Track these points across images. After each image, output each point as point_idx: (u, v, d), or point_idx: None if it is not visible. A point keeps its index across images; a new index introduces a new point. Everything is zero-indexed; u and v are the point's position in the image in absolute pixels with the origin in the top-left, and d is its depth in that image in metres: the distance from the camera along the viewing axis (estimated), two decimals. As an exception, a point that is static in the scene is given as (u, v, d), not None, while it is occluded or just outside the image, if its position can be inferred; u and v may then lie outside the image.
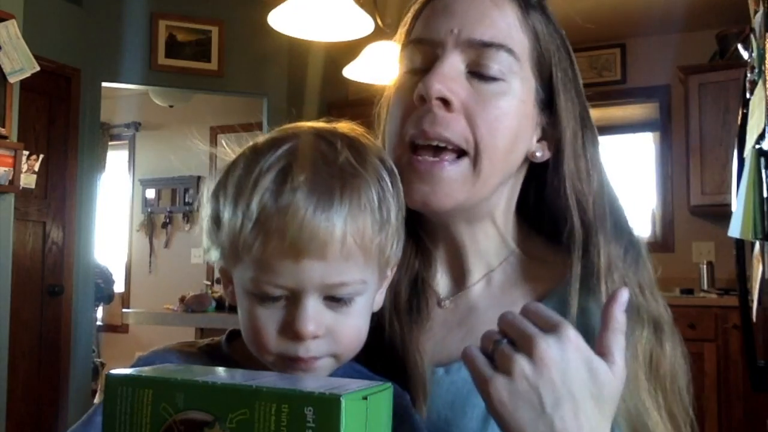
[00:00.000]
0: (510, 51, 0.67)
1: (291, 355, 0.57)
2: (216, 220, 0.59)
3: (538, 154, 0.72)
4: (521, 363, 0.52)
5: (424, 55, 0.68)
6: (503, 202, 0.73)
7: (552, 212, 0.74)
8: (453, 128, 0.65)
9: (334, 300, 0.58)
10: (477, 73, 0.67)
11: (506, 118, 0.67)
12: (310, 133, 0.60)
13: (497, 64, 0.66)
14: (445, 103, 0.65)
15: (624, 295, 0.57)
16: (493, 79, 0.66)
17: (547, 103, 0.71)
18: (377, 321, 0.68)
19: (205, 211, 0.62)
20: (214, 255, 0.61)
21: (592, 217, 0.70)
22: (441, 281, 0.75)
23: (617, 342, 0.55)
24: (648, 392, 0.64)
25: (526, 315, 0.56)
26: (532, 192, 0.77)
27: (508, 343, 0.55)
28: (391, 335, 0.69)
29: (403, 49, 0.72)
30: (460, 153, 0.66)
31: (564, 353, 0.53)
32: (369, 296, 0.61)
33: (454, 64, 0.66)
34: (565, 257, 0.70)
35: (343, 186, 0.56)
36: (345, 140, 0.60)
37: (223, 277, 0.63)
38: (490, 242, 0.74)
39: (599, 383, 0.53)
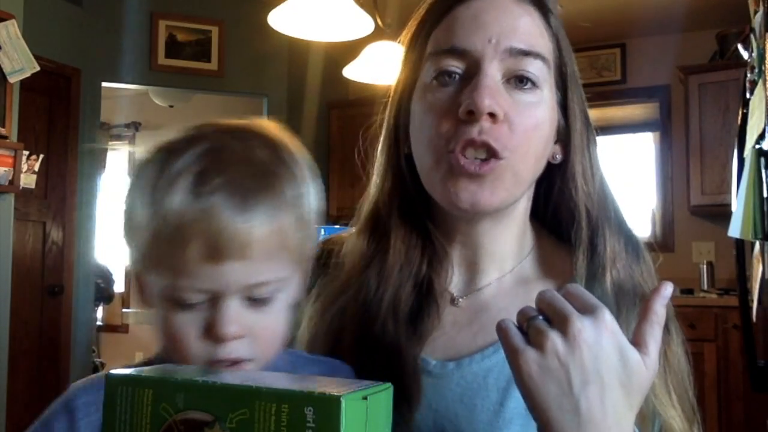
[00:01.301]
0: (544, 59, 0.69)
1: (212, 359, 0.56)
2: (130, 223, 0.58)
3: (557, 156, 0.74)
4: (554, 339, 0.53)
5: (461, 65, 0.69)
6: (523, 204, 0.75)
7: (558, 209, 0.76)
8: (497, 137, 0.66)
9: (255, 300, 0.57)
10: (514, 82, 0.68)
11: (542, 126, 0.69)
12: (224, 132, 0.59)
13: (533, 72, 0.68)
14: (492, 116, 0.66)
15: (668, 289, 0.57)
16: (530, 88, 0.68)
17: (562, 104, 0.73)
18: (367, 324, 0.69)
19: (120, 212, 0.60)
20: (129, 259, 0.59)
21: (597, 213, 0.72)
22: (454, 279, 0.76)
23: (654, 334, 0.55)
24: (661, 382, 0.65)
25: (565, 296, 0.56)
26: (542, 190, 0.78)
27: (543, 320, 0.55)
28: (384, 338, 0.69)
29: (427, 59, 0.72)
30: (497, 158, 0.68)
31: (598, 336, 0.53)
32: (289, 293, 0.60)
33: (494, 75, 0.67)
34: (572, 254, 0.72)
35: (260, 186, 0.55)
36: (260, 138, 0.59)
37: (137, 283, 0.61)
38: (510, 243, 0.75)
39: (629, 371, 0.53)
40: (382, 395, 0.49)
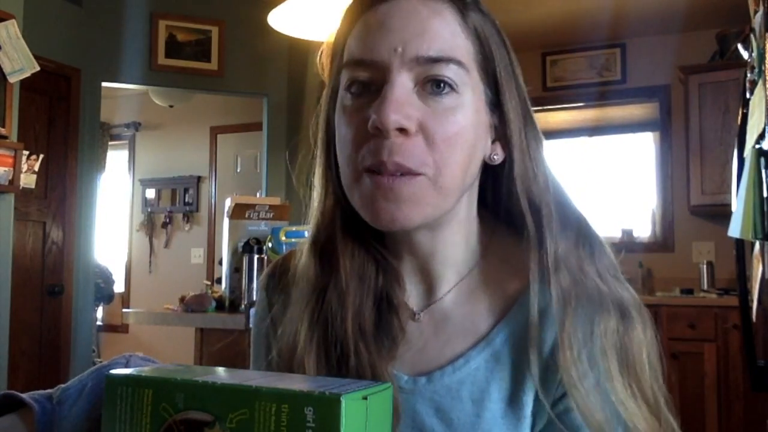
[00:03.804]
0: (459, 63, 0.65)
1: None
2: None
3: (495, 156, 0.70)
4: None
5: (370, 76, 0.65)
6: (464, 209, 0.72)
7: (509, 209, 0.73)
8: (412, 155, 0.62)
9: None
10: (430, 87, 0.64)
11: (464, 133, 0.65)
12: None
13: (448, 78, 0.64)
14: (402, 130, 0.62)
15: None
16: (448, 92, 0.64)
17: (495, 103, 0.69)
18: (341, 349, 0.67)
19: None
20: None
21: (541, 215, 0.69)
22: (412, 294, 0.73)
23: None
24: (622, 384, 0.63)
25: None
26: (489, 190, 0.75)
27: None
28: (358, 362, 0.67)
29: (342, 69, 0.68)
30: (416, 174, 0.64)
31: None
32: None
33: (404, 84, 0.63)
34: (526, 255, 0.69)
35: None
36: None
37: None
38: (457, 250, 0.72)
39: None
40: (382, 395, 0.49)
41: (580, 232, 0.70)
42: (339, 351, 0.67)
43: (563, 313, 0.65)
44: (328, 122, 0.72)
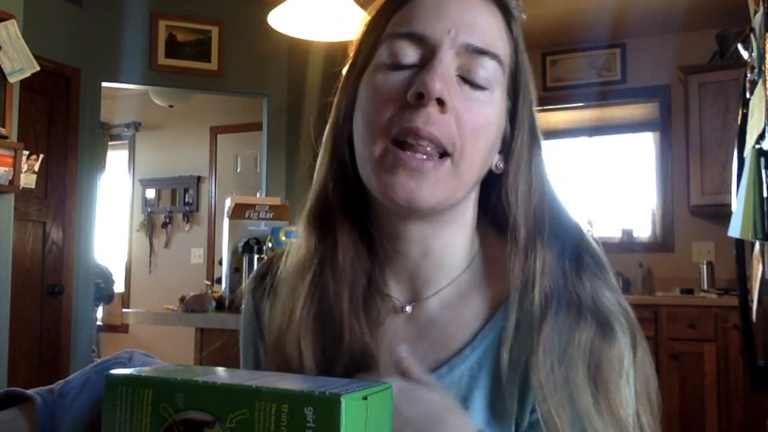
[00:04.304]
0: (500, 61, 0.68)
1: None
2: None
3: (500, 165, 0.72)
4: None
5: (416, 51, 0.66)
6: (470, 209, 0.73)
7: (499, 217, 0.73)
8: (444, 129, 0.64)
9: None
10: (466, 78, 0.66)
11: (489, 127, 0.67)
12: None
13: (487, 72, 0.67)
14: (441, 103, 0.64)
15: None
16: (481, 87, 0.67)
17: (512, 114, 0.71)
18: (338, 326, 0.67)
19: None
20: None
21: (533, 227, 0.70)
22: (395, 287, 0.73)
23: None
24: (590, 398, 0.62)
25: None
26: (486, 196, 0.76)
27: None
28: (353, 340, 0.67)
29: (381, 42, 0.69)
30: (442, 155, 0.65)
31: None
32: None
33: (449, 64, 0.65)
34: (512, 263, 0.70)
35: None
36: None
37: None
38: (452, 254, 0.72)
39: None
40: (382, 395, 0.49)
41: (573, 246, 0.70)
42: (334, 327, 0.68)
43: (541, 321, 0.65)
44: (348, 93, 0.73)
